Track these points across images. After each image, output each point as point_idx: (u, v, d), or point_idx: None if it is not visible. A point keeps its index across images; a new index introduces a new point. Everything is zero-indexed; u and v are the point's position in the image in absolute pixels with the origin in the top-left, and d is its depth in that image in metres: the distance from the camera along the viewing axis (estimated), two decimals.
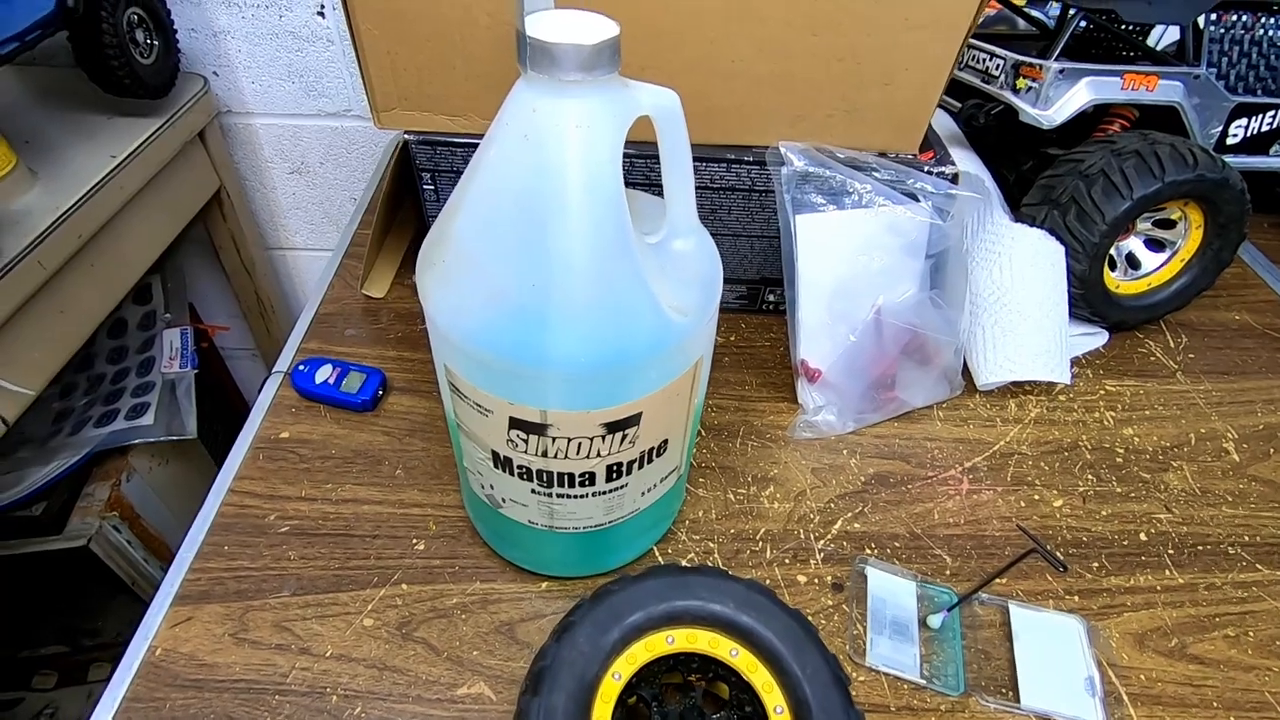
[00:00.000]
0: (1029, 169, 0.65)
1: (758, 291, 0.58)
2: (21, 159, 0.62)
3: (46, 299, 0.60)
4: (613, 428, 0.32)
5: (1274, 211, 0.76)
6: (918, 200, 0.49)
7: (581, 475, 0.34)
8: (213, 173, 0.84)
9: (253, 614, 0.40)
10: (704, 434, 0.51)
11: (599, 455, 0.33)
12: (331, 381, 0.50)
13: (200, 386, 0.89)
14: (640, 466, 0.35)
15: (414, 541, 0.44)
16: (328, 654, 0.39)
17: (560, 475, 0.34)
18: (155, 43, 0.70)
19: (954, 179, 0.49)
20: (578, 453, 0.33)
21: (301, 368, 0.51)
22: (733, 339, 0.58)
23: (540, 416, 0.31)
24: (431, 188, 0.51)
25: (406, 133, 0.48)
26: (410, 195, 0.55)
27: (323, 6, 0.78)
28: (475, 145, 0.48)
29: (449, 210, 0.31)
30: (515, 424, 0.32)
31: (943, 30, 0.43)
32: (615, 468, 0.34)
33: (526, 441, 0.32)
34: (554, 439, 0.32)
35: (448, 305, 0.30)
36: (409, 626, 0.40)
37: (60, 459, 0.77)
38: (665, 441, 0.36)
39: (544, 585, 0.42)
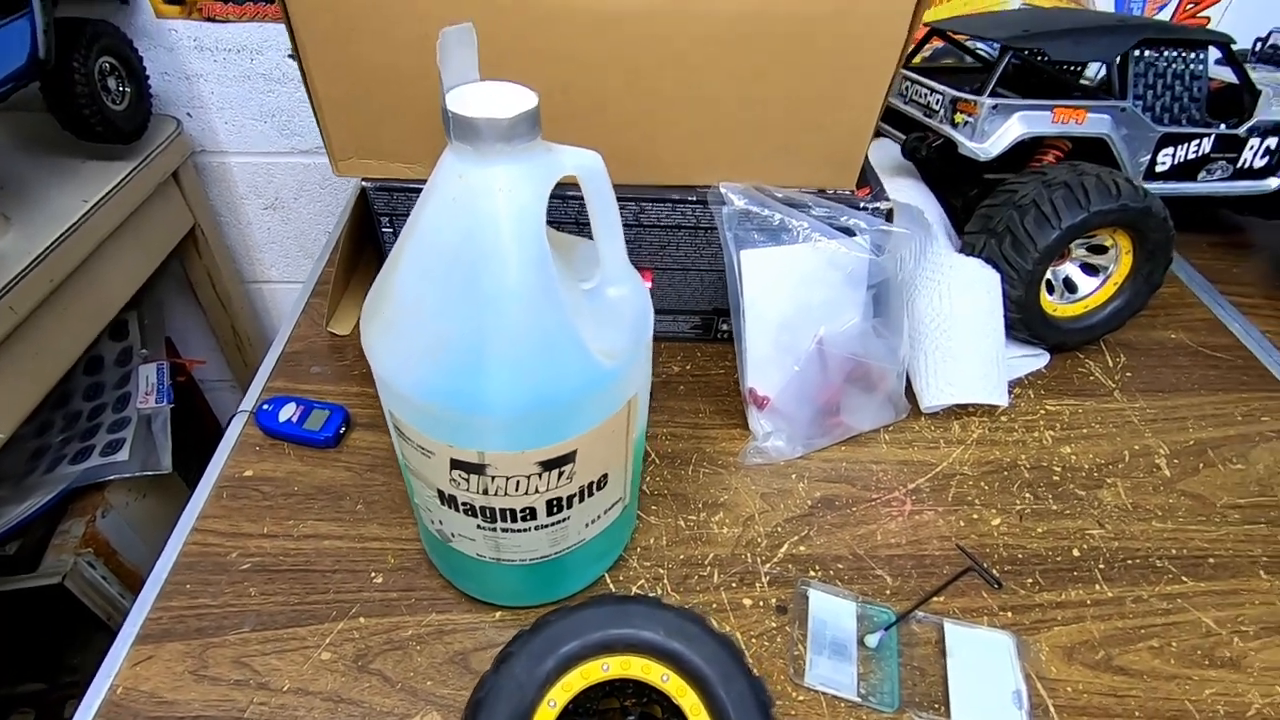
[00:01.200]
0: (974, 196, 0.68)
1: (711, 321, 0.60)
2: None
3: (18, 343, 0.61)
4: (548, 465, 0.34)
5: (1212, 231, 0.79)
6: (854, 235, 0.51)
7: (522, 510, 0.36)
8: (187, 211, 0.86)
9: (212, 650, 0.41)
10: (657, 461, 0.53)
11: (537, 491, 0.35)
12: (295, 419, 0.52)
13: (178, 419, 0.91)
14: (581, 500, 0.37)
15: (373, 575, 0.45)
16: (285, 688, 0.40)
17: (502, 511, 0.36)
18: (127, 89, 0.72)
19: (888, 215, 0.52)
20: (516, 489, 0.34)
21: (266, 406, 0.53)
22: (689, 368, 0.60)
23: (479, 457, 0.33)
24: (390, 230, 0.53)
25: (364, 180, 0.50)
26: (371, 237, 0.57)
27: (294, 49, 0.80)
28: None
29: (389, 264, 0.33)
30: (456, 464, 0.33)
31: (869, 76, 0.46)
32: (555, 502, 0.36)
33: (468, 480, 0.34)
34: (493, 478, 0.34)
35: (389, 356, 0.32)
36: (365, 659, 0.41)
37: (35, 497, 0.77)
38: (605, 475, 0.37)
39: (497, 615, 0.44)
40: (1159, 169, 0.63)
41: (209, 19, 0.78)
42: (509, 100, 0.28)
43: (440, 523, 0.38)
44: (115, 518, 0.85)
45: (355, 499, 0.49)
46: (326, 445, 0.52)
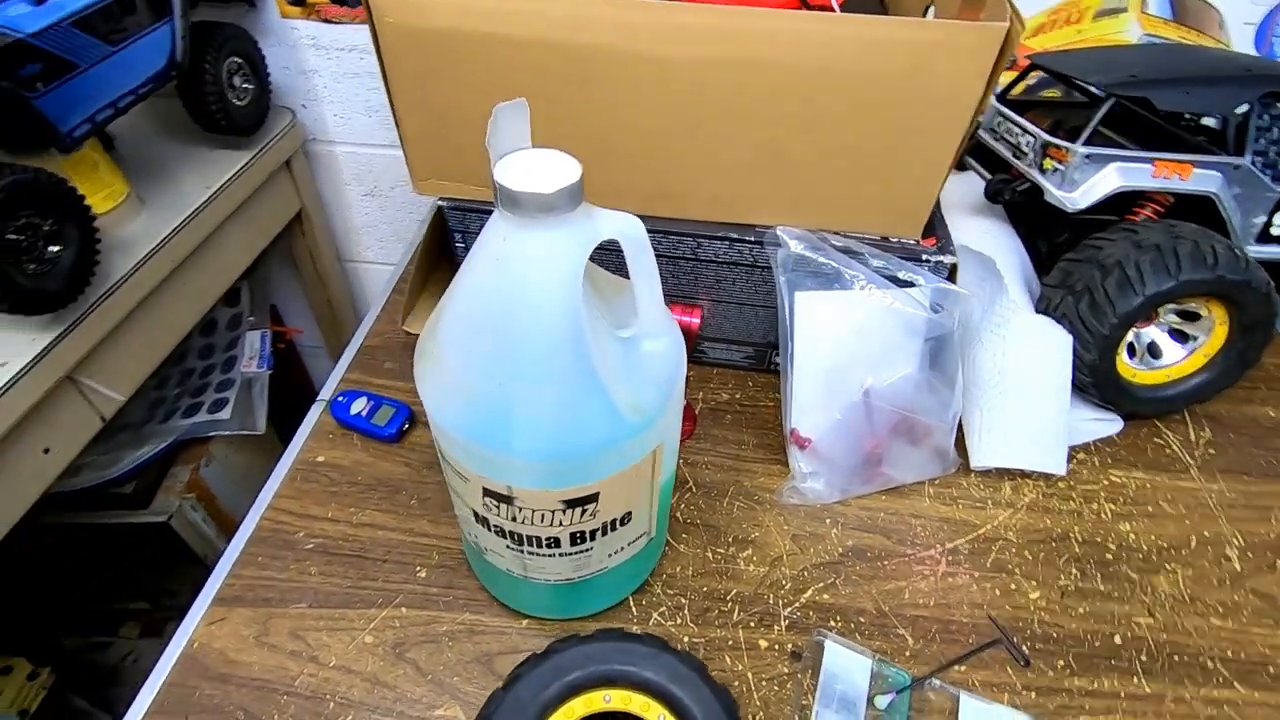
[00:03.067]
0: (1063, 242, 0.64)
1: (765, 352, 0.61)
2: (133, 188, 0.72)
3: (144, 314, 0.69)
4: (572, 504, 0.36)
5: None
6: (911, 287, 0.50)
7: (547, 539, 0.38)
8: (296, 196, 0.94)
9: (274, 620, 0.46)
10: (694, 489, 0.54)
11: (561, 524, 0.37)
12: (364, 414, 0.57)
13: (277, 380, 1.00)
14: (604, 534, 0.39)
15: (418, 569, 0.49)
16: (332, 664, 0.44)
17: (529, 537, 0.38)
18: (250, 86, 0.78)
19: (951, 271, 0.50)
20: (542, 521, 0.37)
21: (340, 399, 0.57)
22: (738, 396, 0.61)
23: (507, 490, 0.35)
24: (462, 245, 0.56)
25: (440, 199, 0.53)
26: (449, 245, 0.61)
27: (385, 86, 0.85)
28: None
29: (441, 306, 0.36)
30: (487, 493, 0.36)
31: (940, 135, 0.45)
32: (578, 535, 0.38)
33: (498, 508, 0.37)
34: (520, 509, 0.36)
35: (433, 391, 0.35)
36: (402, 647, 0.45)
37: (151, 444, 0.87)
38: (629, 514, 0.39)
39: (524, 622, 0.47)
40: (1274, 232, 0.58)
41: (325, 20, 0.84)
42: (553, 172, 0.30)
43: (475, 537, 0.42)
44: (216, 468, 0.95)
45: (410, 494, 0.53)
46: (390, 440, 0.56)
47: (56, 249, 0.56)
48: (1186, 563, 0.50)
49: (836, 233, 0.50)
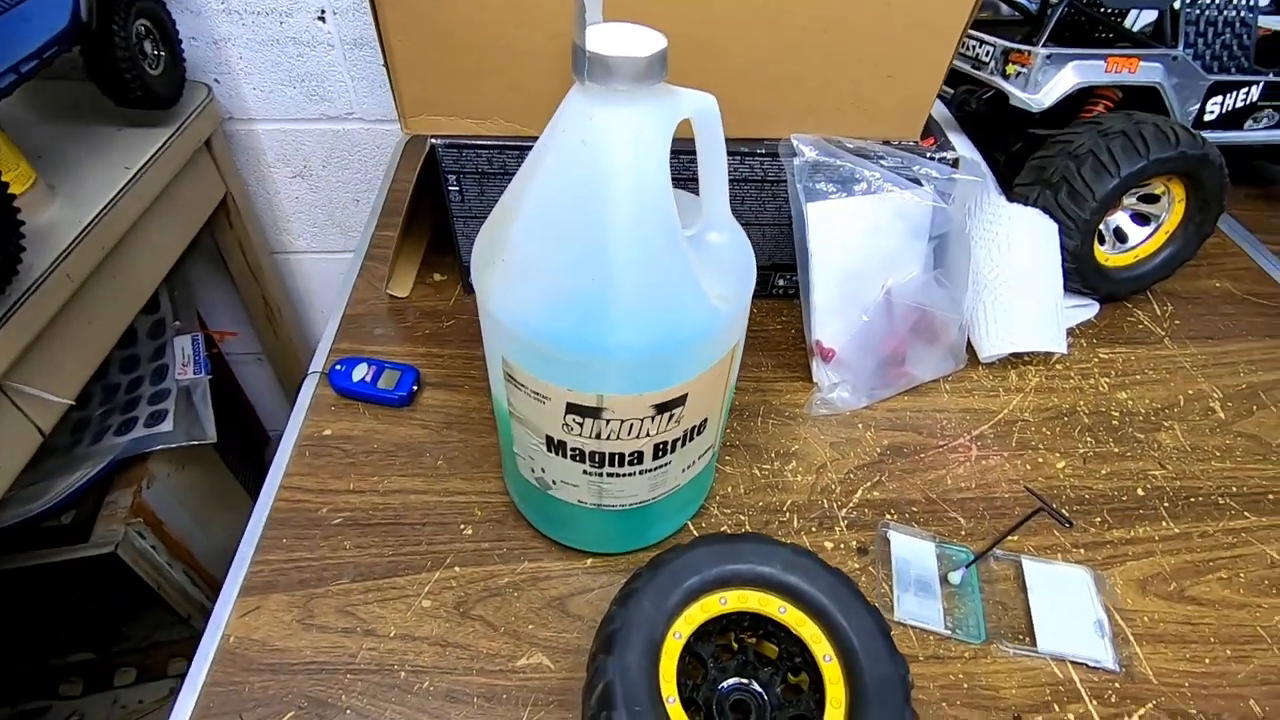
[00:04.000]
0: (1018, 150, 0.68)
1: (768, 277, 0.61)
2: (40, 175, 0.63)
3: (75, 310, 0.61)
4: (662, 408, 0.34)
5: (1250, 184, 0.80)
6: (921, 185, 0.51)
7: (631, 454, 0.36)
8: (219, 180, 0.85)
9: (316, 601, 0.42)
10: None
11: (647, 435, 0.36)
12: (368, 379, 0.52)
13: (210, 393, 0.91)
14: (683, 444, 0.38)
15: (462, 527, 0.46)
16: (391, 634, 0.41)
17: (611, 455, 0.36)
18: (162, 53, 0.71)
19: (955, 164, 0.52)
20: (629, 433, 0.35)
21: (339, 367, 0.53)
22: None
23: (596, 401, 0.33)
24: (457, 189, 0.53)
25: (433, 137, 0.50)
26: (430, 196, 0.57)
27: (323, 11, 0.79)
28: (499, 147, 0.51)
29: (504, 211, 0.33)
30: (572, 409, 0.34)
31: (942, 26, 0.46)
32: (661, 446, 0.37)
33: (582, 425, 0.35)
34: (608, 421, 0.34)
35: (510, 303, 0.32)
36: (465, 605, 0.42)
37: (84, 468, 0.78)
38: (705, 420, 0.38)
39: (589, 562, 0.45)
40: (1208, 118, 0.64)
41: None
42: (639, 40, 0.28)
43: (543, 470, 0.39)
44: (159, 488, 0.86)
45: (435, 455, 0.50)
46: (401, 404, 0.52)
47: None
48: (1180, 419, 0.55)
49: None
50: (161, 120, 0.75)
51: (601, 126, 0.29)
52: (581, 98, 0.29)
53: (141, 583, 0.84)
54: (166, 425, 0.83)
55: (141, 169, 0.69)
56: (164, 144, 0.72)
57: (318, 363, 0.55)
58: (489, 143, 0.50)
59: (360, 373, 0.53)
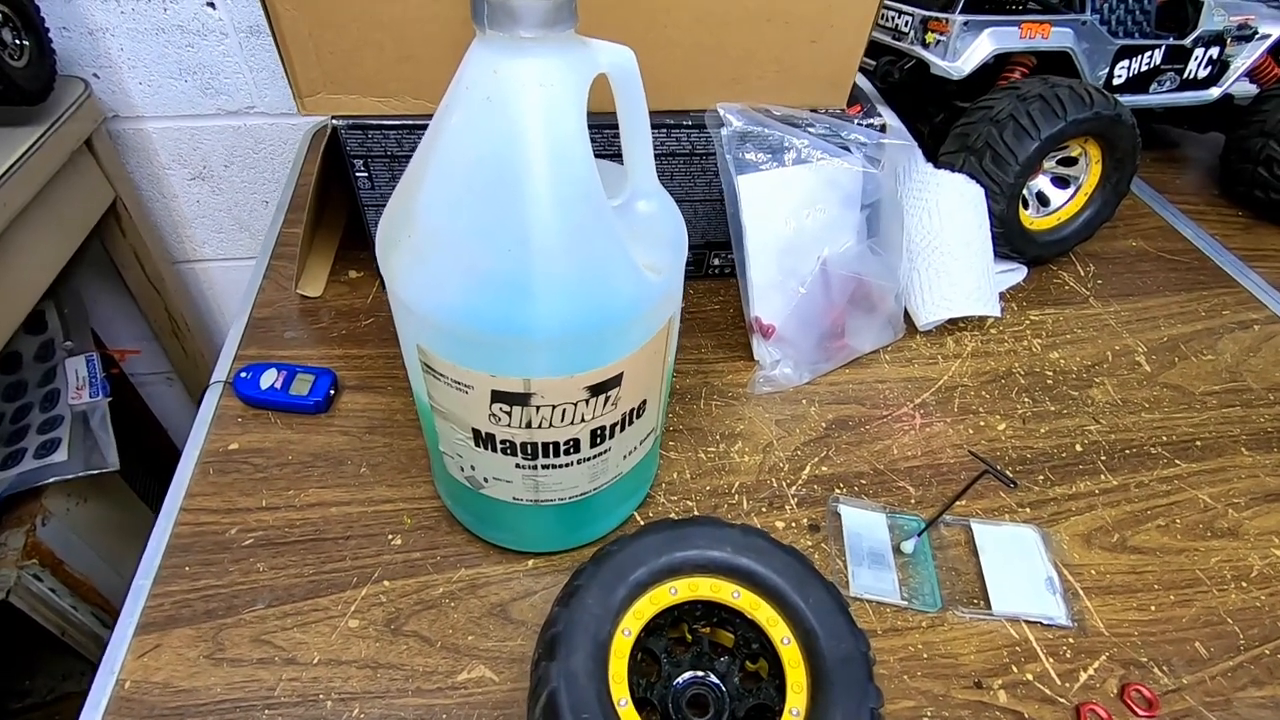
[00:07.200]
0: (940, 121, 0.68)
1: (703, 257, 0.59)
2: None
3: None
4: (596, 390, 0.32)
5: (1153, 147, 0.83)
6: (850, 151, 0.50)
7: (566, 443, 0.34)
8: (106, 184, 0.78)
9: (227, 632, 0.38)
10: (669, 398, 0.52)
11: (582, 420, 0.33)
12: (279, 386, 0.48)
13: (113, 417, 0.83)
14: (622, 429, 0.36)
15: (390, 537, 0.43)
16: (315, 661, 0.37)
17: (545, 445, 0.34)
18: (26, 43, 0.64)
19: (882, 129, 0.52)
20: (562, 419, 0.33)
21: (244, 374, 0.48)
22: (684, 305, 0.59)
23: (524, 386, 0.31)
24: (365, 174, 0.49)
25: (334, 118, 0.46)
26: (337, 186, 0.53)
27: None
28: (409, 127, 0.47)
29: (408, 185, 0.30)
30: (498, 397, 0.31)
31: None
32: (599, 432, 0.34)
33: (510, 414, 0.32)
34: (538, 408, 0.32)
35: (420, 283, 0.29)
36: (397, 622, 0.39)
37: None
38: (644, 402, 0.36)
39: (530, 563, 0.42)
40: (1116, 81, 0.65)
41: None
42: None
43: (472, 468, 0.36)
44: (57, 524, 0.78)
45: (357, 463, 0.46)
46: (316, 410, 0.48)
47: None
48: (1109, 374, 0.56)
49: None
50: (31, 119, 0.67)
51: (508, 80, 0.26)
52: (484, 50, 0.26)
53: (42, 629, 0.76)
54: (60, 455, 0.75)
55: (8, 172, 0.62)
56: (34, 144, 0.65)
57: (220, 372, 0.50)
58: (397, 122, 0.47)
59: (269, 379, 0.48)
